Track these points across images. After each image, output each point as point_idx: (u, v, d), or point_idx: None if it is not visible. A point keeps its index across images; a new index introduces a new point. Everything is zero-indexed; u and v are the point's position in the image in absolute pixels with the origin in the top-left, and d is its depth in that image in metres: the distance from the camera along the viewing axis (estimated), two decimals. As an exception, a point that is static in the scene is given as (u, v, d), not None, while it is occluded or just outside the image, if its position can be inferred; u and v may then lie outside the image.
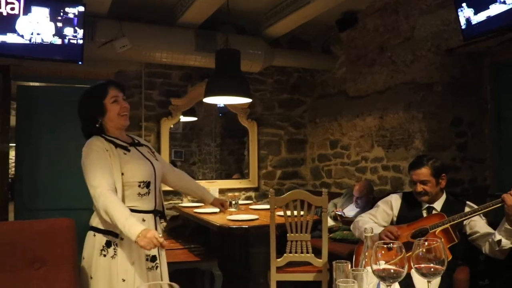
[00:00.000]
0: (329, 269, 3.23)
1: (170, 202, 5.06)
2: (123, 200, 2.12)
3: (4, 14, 3.77)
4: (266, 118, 5.76)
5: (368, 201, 4.34)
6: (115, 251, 2.11)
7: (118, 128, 2.29)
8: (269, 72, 5.72)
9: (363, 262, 1.45)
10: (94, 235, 2.15)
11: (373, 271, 1.32)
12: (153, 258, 2.24)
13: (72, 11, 3.97)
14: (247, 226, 3.46)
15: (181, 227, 4.98)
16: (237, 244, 4.32)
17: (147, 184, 2.23)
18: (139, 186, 2.20)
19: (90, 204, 5.02)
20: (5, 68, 4.60)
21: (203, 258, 3.71)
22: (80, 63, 4.08)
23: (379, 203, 3.02)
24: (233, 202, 4.39)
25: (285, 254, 3.31)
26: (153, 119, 5.15)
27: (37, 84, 5.22)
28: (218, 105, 5.63)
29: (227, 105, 5.42)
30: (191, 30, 4.74)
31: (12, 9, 3.81)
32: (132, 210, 2.09)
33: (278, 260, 3.30)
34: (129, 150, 2.28)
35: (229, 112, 5.64)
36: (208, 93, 4.01)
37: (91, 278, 2.09)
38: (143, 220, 2.19)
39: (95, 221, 2.18)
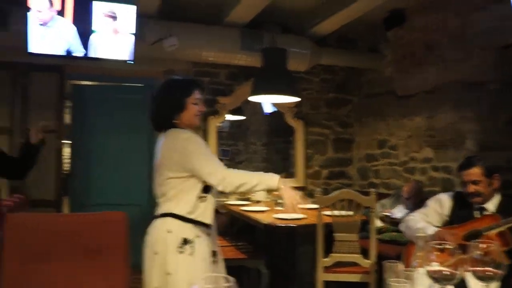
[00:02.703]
0: (377, 271, 3.18)
1: (217, 199, 5.09)
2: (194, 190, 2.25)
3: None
4: (313, 117, 5.73)
5: (417, 203, 4.22)
6: (192, 249, 2.20)
7: (190, 126, 2.37)
8: (315, 71, 5.68)
9: (415, 263, 1.42)
10: (169, 232, 2.21)
11: (427, 272, 1.29)
12: (214, 253, 2.35)
13: (124, 11, 4.07)
14: (294, 225, 3.45)
15: (228, 225, 5.03)
16: (283, 242, 4.31)
17: None
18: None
19: (139, 200, 5.18)
20: (60, 68, 4.78)
21: (250, 256, 3.73)
22: (131, 62, 4.18)
23: (429, 202, 2.93)
24: (280, 201, 4.39)
25: (332, 254, 3.28)
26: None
27: (90, 83, 5.41)
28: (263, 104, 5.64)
29: (274, 104, 5.43)
30: (237, 29, 4.78)
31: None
32: None
33: (325, 259, 3.28)
34: None
35: (275, 111, 5.64)
36: (255, 92, 4.02)
37: (169, 274, 2.16)
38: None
39: (178, 209, 2.25)
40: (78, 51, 3.99)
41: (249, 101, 4.48)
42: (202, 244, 2.25)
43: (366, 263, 3.25)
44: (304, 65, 5.08)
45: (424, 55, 4.74)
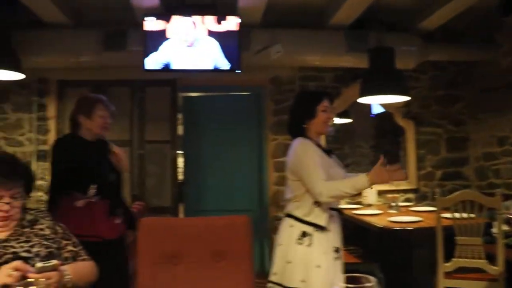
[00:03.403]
0: (507, 278, 2.96)
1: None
2: None
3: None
4: (423, 116, 5.48)
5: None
6: (310, 241, 2.41)
7: (319, 133, 2.64)
8: (423, 68, 5.44)
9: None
10: (292, 226, 2.48)
11: None
12: (337, 250, 2.51)
13: (230, 23, 4.23)
14: (411, 228, 3.33)
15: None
16: (398, 246, 4.18)
17: None
18: None
19: (249, 206, 5.31)
20: (173, 82, 5.06)
21: (364, 260, 3.65)
22: (238, 71, 4.31)
23: None
24: (393, 204, 4.26)
25: (454, 259, 3.11)
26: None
27: (199, 94, 5.66)
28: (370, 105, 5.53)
29: (382, 105, 5.29)
30: (341, 31, 4.72)
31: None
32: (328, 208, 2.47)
33: (447, 264, 3.12)
34: (330, 156, 2.61)
35: (382, 112, 5.49)
36: (363, 93, 3.95)
37: (289, 262, 2.42)
38: (331, 216, 2.51)
39: (297, 212, 2.49)
40: (223, 65, 4.27)
41: (355, 103, 4.41)
42: (322, 238, 2.44)
43: (494, 269, 3.03)
44: (411, 63, 4.89)
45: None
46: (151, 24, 4.17)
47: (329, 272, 2.38)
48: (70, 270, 1.67)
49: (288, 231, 2.48)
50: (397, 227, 3.38)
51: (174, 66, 4.26)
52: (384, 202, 4.88)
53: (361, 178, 2.30)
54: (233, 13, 4.29)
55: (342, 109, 5.27)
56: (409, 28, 4.89)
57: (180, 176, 5.30)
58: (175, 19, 4.21)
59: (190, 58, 4.27)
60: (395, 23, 4.97)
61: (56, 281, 1.53)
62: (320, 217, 2.45)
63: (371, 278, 0.87)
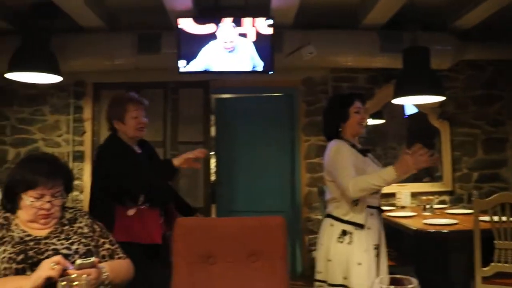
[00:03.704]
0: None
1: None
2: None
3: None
4: (459, 117, 5.36)
5: None
6: (350, 239, 2.47)
7: (354, 135, 2.68)
8: (459, 68, 5.32)
9: None
10: (332, 225, 2.56)
11: None
12: (376, 247, 2.55)
13: (263, 25, 4.24)
14: (447, 231, 3.26)
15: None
16: (433, 249, 4.09)
17: None
18: None
19: (282, 207, 5.31)
20: (206, 84, 5.11)
21: (398, 263, 3.60)
22: (270, 72, 4.32)
23: None
24: (428, 206, 4.18)
25: (493, 264, 3.03)
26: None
27: (231, 95, 5.69)
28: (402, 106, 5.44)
29: (416, 105, 5.20)
30: (375, 31, 4.67)
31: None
32: (368, 206, 2.53)
33: (485, 269, 3.04)
34: (366, 156, 2.65)
35: (416, 113, 5.40)
36: (397, 94, 3.89)
37: (329, 260, 2.49)
38: (371, 215, 2.56)
39: (336, 211, 2.57)
40: (257, 67, 4.33)
41: (388, 104, 4.35)
42: (362, 236, 2.48)
43: (535, 274, 2.94)
44: (447, 63, 4.80)
45: None
46: (184, 26, 4.21)
47: (370, 269, 2.44)
48: (107, 268, 1.70)
49: (329, 230, 2.56)
50: (432, 229, 3.32)
51: (208, 68, 4.30)
52: (418, 204, 4.79)
53: (387, 169, 2.33)
54: (266, 14, 4.30)
55: (375, 110, 5.21)
56: (445, 27, 4.80)
57: (213, 177, 5.33)
58: (209, 21, 4.24)
59: (223, 60, 4.31)
60: (430, 22, 4.88)
61: (94, 277, 1.56)
62: (358, 216, 2.51)
63: (413, 279, 0.85)
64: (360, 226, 2.49)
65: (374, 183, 2.34)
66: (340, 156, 2.50)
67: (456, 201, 5.25)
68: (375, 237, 2.56)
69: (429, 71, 3.86)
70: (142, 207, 2.62)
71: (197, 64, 4.28)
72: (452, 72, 5.29)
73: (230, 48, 4.27)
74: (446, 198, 5.28)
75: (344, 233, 2.49)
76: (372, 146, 5.60)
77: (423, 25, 4.79)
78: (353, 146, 2.62)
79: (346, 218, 2.52)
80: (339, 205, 2.56)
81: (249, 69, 4.31)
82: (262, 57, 4.28)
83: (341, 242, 2.48)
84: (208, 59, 4.27)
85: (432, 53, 4.17)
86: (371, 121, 5.31)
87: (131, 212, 2.58)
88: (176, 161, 2.72)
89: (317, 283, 2.57)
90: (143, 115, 2.77)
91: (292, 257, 5.18)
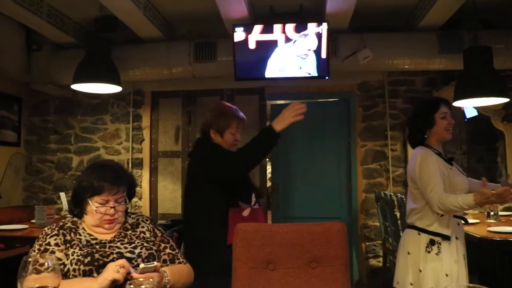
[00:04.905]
0: None
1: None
2: None
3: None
4: (525, 119, 5.10)
5: None
6: (439, 249, 2.45)
7: (440, 140, 2.63)
8: (525, 67, 5.07)
9: None
10: (419, 234, 2.52)
11: None
12: (465, 257, 2.53)
13: (318, 30, 4.22)
14: (514, 239, 3.10)
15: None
16: (498, 259, 3.90)
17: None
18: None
19: (338, 214, 5.24)
20: (261, 90, 5.14)
21: (462, 272, 3.45)
22: (326, 78, 4.28)
23: None
24: (492, 213, 4.00)
25: None
26: (398, 128, 5.07)
27: (287, 101, 5.67)
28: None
29: (477, 108, 4.99)
30: (433, 33, 4.54)
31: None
32: (454, 216, 2.51)
33: (558, 280, 2.87)
34: (452, 164, 2.59)
35: (477, 115, 5.18)
36: (458, 96, 3.77)
37: (420, 271, 2.47)
38: (458, 225, 2.54)
39: (420, 222, 2.53)
40: (312, 72, 4.33)
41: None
42: (450, 247, 2.45)
43: None
44: (511, 62, 4.58)
45: None
46: (240, 34, 4.26)
47: (458, 281, 2.42)
48: (169, 272, 1.73)
49: (416, 238, 2.52)
50: (497, 237, 3.15)
51: (264, 74, 4.32)
52: (481, 210, 4.58)
53: (468, 198, 2.27)
54: (321, 19, 4.27)
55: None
56: (509, 24, 4.58)
57: (268, 183, 5.34)
58: (264, 28, 4.26)
59: (279, 65, 4.31)
60: (493, 19, 4.68)
61: (157, 281, 1.59)
62: (444, 227, 2.47)
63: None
64: (447, 237, 2.45)
65: (456, 206, 2.30)
66: (426, 165, 2.45)
67: (524, 208, 5.00)
68: (463, 247, 2.55)
69: (492, 71, 3.72)
70: (255, 206, 2.66)
71: (252, 70, 4.31)
72: (518, 72, 5.04)
73: (279, 52, 4.27)
74: (512, 205, 5.03)
75: (432, 243, 2.47)
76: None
77: (485, 23, 4.61)
78: (439, 154, 2.58)
79: (431, 229, 2.48)
80: (422, 216, 2.52)
81: (299, 75, 4.29)
82: (318, 62, 4.26)
83: (429, 252, 2.46)
84: (261, 65, 4.30)
85: (495, 52, 4.01)
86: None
87: (246, 212, 2.60)
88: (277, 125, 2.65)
89: None
90: (239, 132, 2.79)
91: (349, 265, 5.09)
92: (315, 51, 4.26)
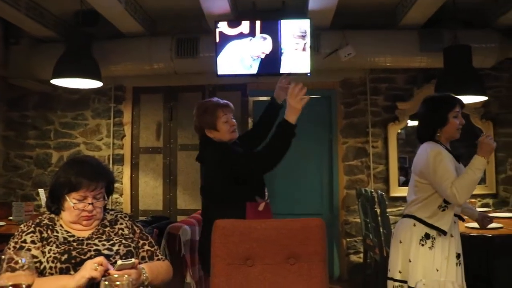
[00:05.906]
0: None
1: (399, 208, 4.93)
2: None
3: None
4: (503, 117, 5.17)
5: None
6: (432, 244, 2.45)
7: (449, 139, 2.61)
8: (503, 67, 5.13)
9: None
10: (414, 225, 2.51)
11: None
12: (458, 256, 2.52)
13: (299, 26, 4.23)
14: (490, 235, 3.15)
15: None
16: (476, 255, 3.97)
17: None
18: None
19: (319, 210, 5.25)
20: (243, 86, 5.13)
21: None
22: (308, 74, 4.30)
23: None
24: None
25: (541, 269, 2.92)
26: (379, 125, 5.12)
27: (268, 98, 5.67)
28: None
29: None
30: (414, 31, 4.59)
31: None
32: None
33: (533, 275, 2.93)
34: (459, 162, 2.58)
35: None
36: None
37: (410, 261, 2.48)
38: (454, 223, 2.53)
39: (420, 213, 2.52)
40: (294, 69, 4.35)
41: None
42: (444, 243, 2.45)
43: None
44: (491, 61, 4.64)
45: None
46: (222, 30, 4.25)
47: (447, 277, 2.40)
48: (147, 269, 1.73)
49: (410, 229, 2.52)
50: (474, 233, 3.20)
51: (245, 71, 4.32)
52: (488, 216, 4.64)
53: (475, 160, 2.37)
54: (303, 16, 4.28)
55: (415, 111, 5.09)
56: (488, 24, 4.65)
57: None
58: (246, 24, 4.26)
59: (260, 62, 4.31)
60: (472, 19, 4.75)
61: (134, 278, 1.59)
62: (443, 222, 2.46)
63: None
64: (443, 232, 2.45)
65: (474, 178, 2.35)
66: (440, 160, 2.44)
67: (500, 204, 5.08)
68: (457, 246, 2.53)
69: (471, 70, 3.77)
70: (268, 200, 2.67)
71: (234, 67, 4.30)
72: (496, 70, 5.11)
73: (260, 49, 4.27)
74: (489, 201, 5.11)
75: (427, 236, 2.46)
76: (412, 147, 5.50)
77: (465, 23, 4.67)
78: (448, 150, 2.57)
79: (430, 221, 2.47)
80: (423, 207, 2.51)
81: (281, 71, 4.30)
82: (299, 59, 4.27)
83: (423, 245, 2.46)
84: (241, 61, 4.29)
85: (475, 51, 4.07)
86: (410, 123, 5.21)
87: (261, 207, 2.59)
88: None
89: (396, 283, 2.55)
90: (231, 117, 2.73)
91: (330, 261, 5.12)
92: (297, 48, 4.27)
